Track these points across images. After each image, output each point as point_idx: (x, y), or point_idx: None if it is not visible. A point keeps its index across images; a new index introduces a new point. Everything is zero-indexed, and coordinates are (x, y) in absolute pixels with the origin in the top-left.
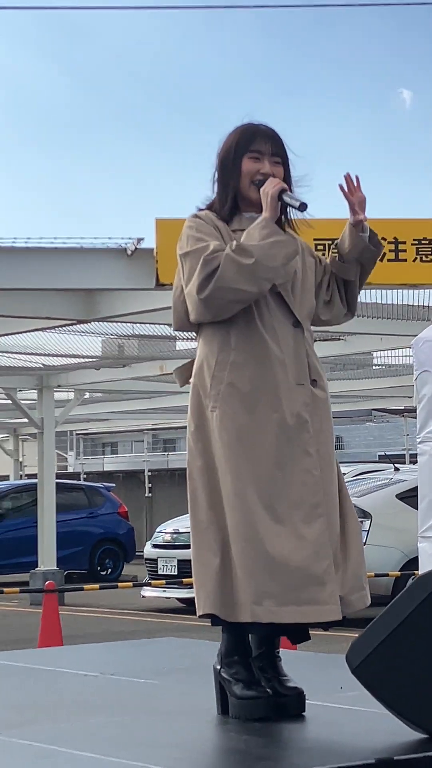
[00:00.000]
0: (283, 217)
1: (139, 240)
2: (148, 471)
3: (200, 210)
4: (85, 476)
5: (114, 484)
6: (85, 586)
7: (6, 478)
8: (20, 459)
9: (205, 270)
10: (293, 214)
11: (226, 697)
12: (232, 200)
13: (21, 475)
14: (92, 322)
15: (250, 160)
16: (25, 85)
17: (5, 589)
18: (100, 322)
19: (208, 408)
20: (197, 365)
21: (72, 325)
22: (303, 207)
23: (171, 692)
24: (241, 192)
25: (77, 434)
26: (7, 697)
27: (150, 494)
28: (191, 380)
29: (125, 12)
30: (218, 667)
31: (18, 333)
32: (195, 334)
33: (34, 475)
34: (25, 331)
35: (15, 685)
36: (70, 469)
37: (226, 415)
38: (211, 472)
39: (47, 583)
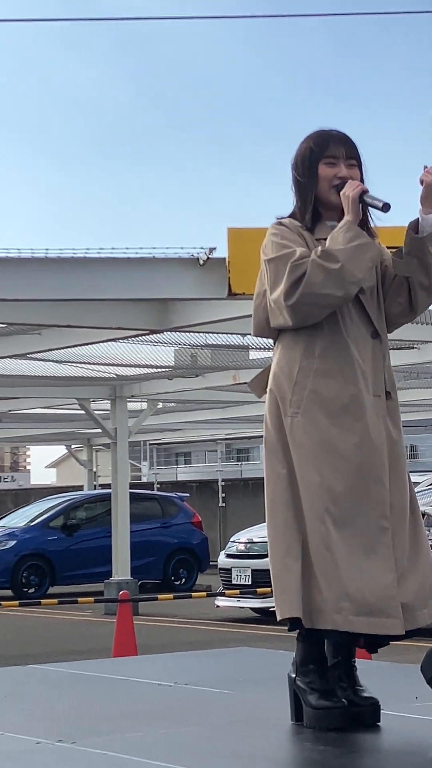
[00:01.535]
0: (364, 219)
1: (212, 249)
2: (222, 481)
3: (282, 219)
4: (158, 486)
5: (188, 494)
6: (159, 596)
7: (80, 488)
8: (94, 469)
9: (292, 276)
10: (373, 216)
11: (300, 706)
12: (312, 207)
13: (95, 485)
14: (165, 332)
15: (326, 165)
16: (96, 97)
17: (79, 599)
18: (173, 332)
19: (288, 414)
20: (276, 372)
21: (145, 335)
22: (386, 207)
23: (246, 702)
24: (321, 198)
25: (150, 444)
26: (83, 706)
27: (224, 504)
28: (269, 386)
29: (194, 23)
30: (293, 675)
31: (92, 343)
32: (273, 341)
33: (107, 485)
34: (99, 342)
35: (90, 694)
36: (144, 479)
37: (308, 422)
38: (290, 478)
39: (122, 593)
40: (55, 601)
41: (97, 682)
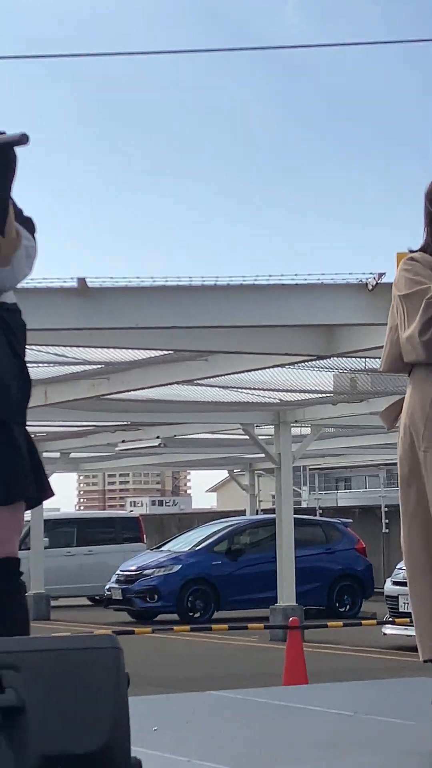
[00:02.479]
0: None
1: (381, 275)
2: (385, 506)
3: (413, 252)
4: (320, 511)
5: (350, 520)
6: (329, 623)
7: (242, 513)
8: (256, 494)
9: (427, 313)
10: None
11: None
12: None
13: (257, 510)
14: (331, 358)
15: None
16: (249, 125)
17: (249, 625)
18: (337, 358)
19: (422, 449)
20: (409, 406)
21: (311, 360)
22: None
23: (429, 733)
24: None
25: (310, 469)
26: (265, 734)
27: (387, 530)
28: (402, 420)
29: (344, 49)
30: None
31: (258, 369)
32: (407, 375)
33: (269, 510)
34: (265, 368)
35: (269, 722)
36: (304, 504)
37: None
38: (425, 515)
39: (291, 619)
40: (225, 626)
41: (274, 709)
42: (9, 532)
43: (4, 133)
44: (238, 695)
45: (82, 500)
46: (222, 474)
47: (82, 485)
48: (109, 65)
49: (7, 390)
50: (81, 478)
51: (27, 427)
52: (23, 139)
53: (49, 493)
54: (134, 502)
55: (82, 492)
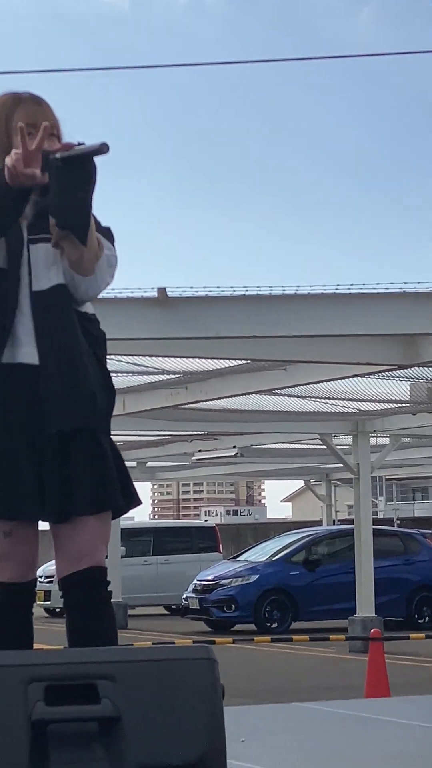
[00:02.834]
0: None
1: None
2: None
3: None
4: (398, 522)
5: (430, 531)
6: (411, 635)
7: (318, 523)
8: (332, 504)
9: None
10: None
11: None
12: None
13: (333, 521)
14: (410, 368)
15: None
16: (323, 134)
17: (331, 636)
18: (415, 367)
19: None
20: None
21: (391, 370)
22: None
23: None
24: None
25: (387, 479)
26: (344, 746)
27: None
28: None
29: (424, 56)
30: None
31: (337, 379)
32: None
33: (345, 521)
34: (344, 378)
35: (349, 734)
36: (380, 515)
37: None
38: None
39: (373, 631)
40: (306, 637)
41: (358, 721)
42: (96, 542)
43: (83, 143)
44: (323, 707)
45: (156, 509)
46: (297, 484)
47: (156, 494)
48: (182, 75)
49: (94, 399)
50: (155, 487)
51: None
52: (103, 149)
53: (136, 501)
54: (209, 511)
55: (156, 501)
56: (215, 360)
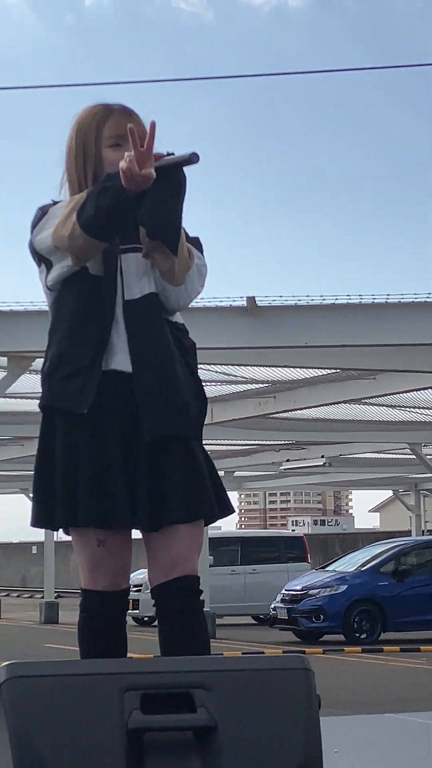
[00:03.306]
0: None
1: None
2: None
3: None
4: None
5: None
6: None
7: (407, 533)
8: (421, 514)
9: None
10: None
11: None
12: None
13: (423, 531)
14: None
15: None
16: (409, 144)
17: (421, 647)
18: None
19: None
20: None
21: None
22: None
23: None
24: None
25: None
26: None
27: None
28: None
29: None
30: None
31: (428, 388)
32: None
33: None
34: None
35: None
36: None
37: None
38: None
39: None
40: (397, 648)
41: None
42: (190, 550)
43: (172, 153)
44: (416, 718)
45: (243, 519)
46: (385, 494)
47: (243, 504)
48: (268, 86)
49: (188, 408)
50: (242, 496)
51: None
52: (193, 159)
53: (228, 509)
54: (296, 521)
55: (243, 511)
56: (304, 369)
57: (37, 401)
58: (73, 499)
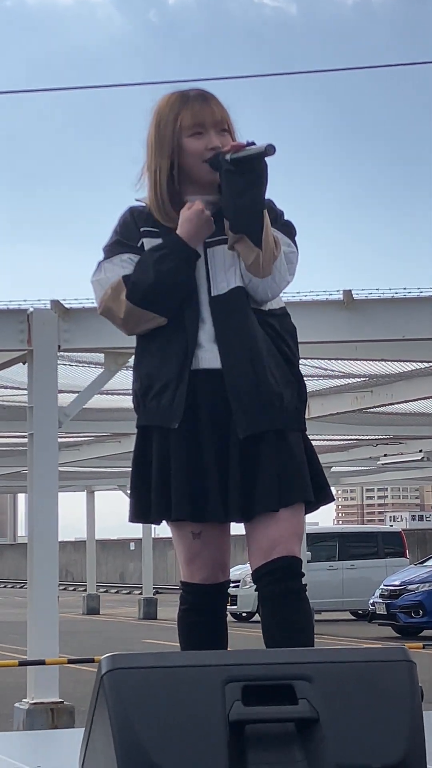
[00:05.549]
0: None
1: None
2: None
3: None
4: None
5: None
6: None
7: None
8: None
9: None
10: None
11: None
12: None
13: None
14: None
15: None
16: None
17: None
18: None
19: None
20: None
21: None
22: None
23: None
24: None
25: None
26: None
27: None
28: None
29: None
30: None
31: None
32: None
33: None
34: None
35: None
36: None
37: None
38: None
39: None
40: None
41: None
42: (287, 533)
43: (253, 142)
44: None
45: (340, 515)
46: None
47: (340, 499)
48: (352, 79)
49: (280, 399)
50: (339, 492)
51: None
52: (269, 150)
53: (328, 497)
54: (394, 516)
55: (340, 506)
56: (401, 363)
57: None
58: (167, 494)
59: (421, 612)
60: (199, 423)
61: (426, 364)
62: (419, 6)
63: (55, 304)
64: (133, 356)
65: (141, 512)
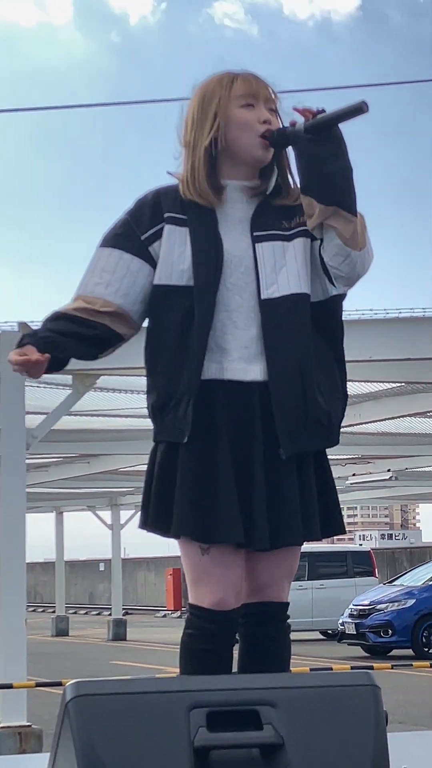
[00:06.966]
0: None
1: None
2: None
3: None
4: None
5: None
6: None
7: None
8: None
9: None
10: None
11: None
12: None
13: None
14: None
15: None
16: None
17: None
18: None
19: None
20: None
21: None
22: None
23: None
24: None
25: None
26: None
27: None
28: None
29: None
30: None
31: None
32: None
33: None
34: None
35: None
36: None
37: None
38: None
39: None
40: None
41: None
42: (285, 572)
43: (323, 110)
44: None
45: None
46: None
47: None
48: (314, 100)
49: (328, 418)
50: None
51: None
52: (363, 107)
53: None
54: (363, 535)
55: None
56: (369, 383)
57: (102, 418)
58: (170, 508)
59: (390, 631)
60: (218, 437)
61: (394, 385)
62: (378, 27)
63: (23, 325)
64: (107, 369)
65: (153, 521)
